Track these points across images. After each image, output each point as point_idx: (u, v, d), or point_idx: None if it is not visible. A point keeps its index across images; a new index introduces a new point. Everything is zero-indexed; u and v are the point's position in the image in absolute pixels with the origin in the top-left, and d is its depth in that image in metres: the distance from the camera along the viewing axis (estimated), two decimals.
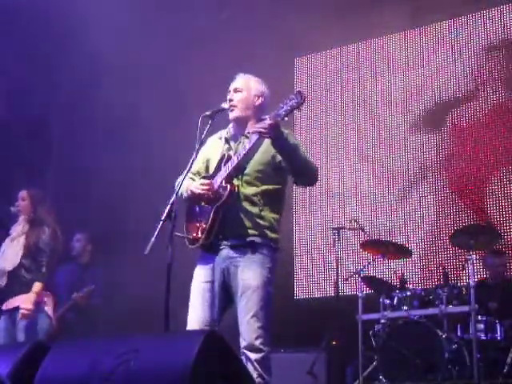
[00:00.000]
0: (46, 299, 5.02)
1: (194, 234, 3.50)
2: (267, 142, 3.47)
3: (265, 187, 3.52)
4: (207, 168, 3.72)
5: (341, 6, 7.34)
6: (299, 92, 3.28)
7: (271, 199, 3.54)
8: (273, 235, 3.51)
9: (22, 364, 2.58)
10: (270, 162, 3.53)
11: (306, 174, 3.58)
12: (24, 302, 4.83)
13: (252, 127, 3.52)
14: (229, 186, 3.44)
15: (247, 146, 3.43)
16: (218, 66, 7.21)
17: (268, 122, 3.30)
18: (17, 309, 4.88)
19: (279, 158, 3.51)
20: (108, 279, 6.59)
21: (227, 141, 3.70)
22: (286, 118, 3.32)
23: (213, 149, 3.73)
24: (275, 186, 3.56)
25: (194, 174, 3.72)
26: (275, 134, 3.34)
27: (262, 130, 3.32)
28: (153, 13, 7.18)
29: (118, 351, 2.32)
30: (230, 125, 3.75)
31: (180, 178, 3.61)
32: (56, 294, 5.89)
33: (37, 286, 4.90)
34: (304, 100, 3.24)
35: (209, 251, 3.52)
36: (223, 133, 3.76)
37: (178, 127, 7.29)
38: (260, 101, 3.68)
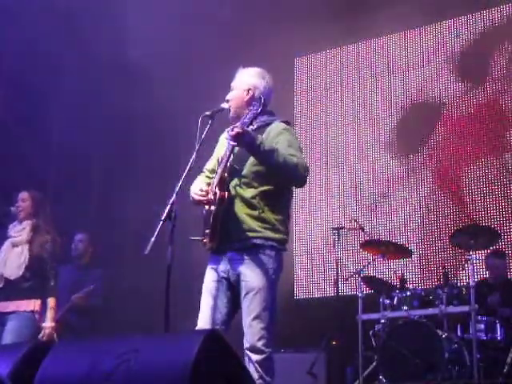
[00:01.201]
0: (38, 306, 5.00)
1: (203, 238, 3.51)
2: None
3: (263, 188, 3.47)
4: None
5: (341, 5, 7.34)
6: (259, 98, 3.34)
7: (271, 200, 3.48)
8: (276, 236, 3.46)
9: (22, 364, 2.58)
10: None
11: (286, 177, 3.49)
12: (47, 324, 4.85)
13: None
14: (218, 193, 3.38)
15: (227, 153, 3.41)
16: (218, 66, 7.20)
17: (236, 130, 3.27)
18: (10, 313, 4.89)
19: None
20: (108, 279, 6.59)
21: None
22: (252, 127, 3.35)
23: (221, 147, 3.70)
24: (274, 187, 3.50)
25: (210, 172, 3.70)
26: (243, 142, 3.29)
27: (230, 139, 3.31)
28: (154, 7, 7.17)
29: (118, 351, 2.32)
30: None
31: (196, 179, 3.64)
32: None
33: (52, 301, 4.94)
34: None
35: (216, 253, 3.52)
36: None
37: (178, 128, 7.29)
38: (250, 94, 3.58)
